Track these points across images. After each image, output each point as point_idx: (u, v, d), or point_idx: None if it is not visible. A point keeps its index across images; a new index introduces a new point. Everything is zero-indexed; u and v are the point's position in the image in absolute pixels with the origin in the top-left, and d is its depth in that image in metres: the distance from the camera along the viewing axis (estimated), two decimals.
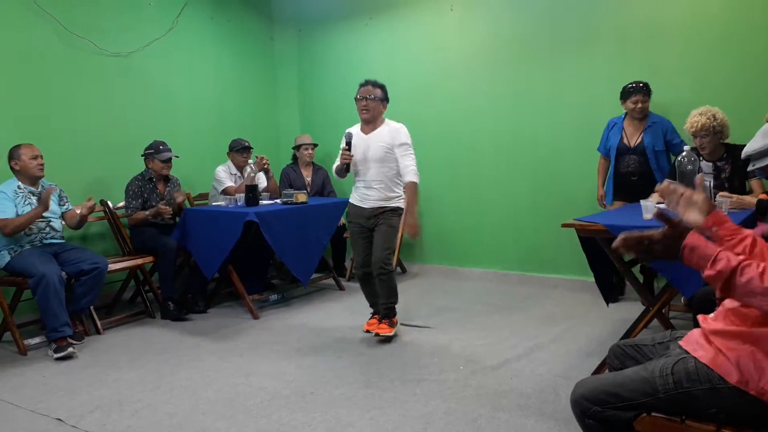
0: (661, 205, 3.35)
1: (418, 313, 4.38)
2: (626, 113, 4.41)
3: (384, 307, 3.83)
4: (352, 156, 3.77)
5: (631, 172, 4.28)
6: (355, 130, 3.89)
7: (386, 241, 3.76)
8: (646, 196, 4.21)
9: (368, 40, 6.09)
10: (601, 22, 4.84)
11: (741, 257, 1.43)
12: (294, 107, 6.69)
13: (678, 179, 3.42)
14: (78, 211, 4.06)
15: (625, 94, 4.32)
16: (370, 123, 3.83)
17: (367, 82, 3.85)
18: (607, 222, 2.91)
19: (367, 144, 3.79)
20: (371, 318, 3.96)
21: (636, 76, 4.61)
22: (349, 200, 3.99)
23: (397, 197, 3.84)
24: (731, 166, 3.58)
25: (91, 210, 4.07)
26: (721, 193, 3.27)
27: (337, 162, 3.86)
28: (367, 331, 3.87)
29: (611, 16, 4.79)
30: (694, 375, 1.57)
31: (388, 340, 3.79)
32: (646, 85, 4.27)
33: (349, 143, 3.76)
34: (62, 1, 4.63)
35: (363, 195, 3.86)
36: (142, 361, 3.57)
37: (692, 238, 1.48)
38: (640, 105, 4.24)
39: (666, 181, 3.72)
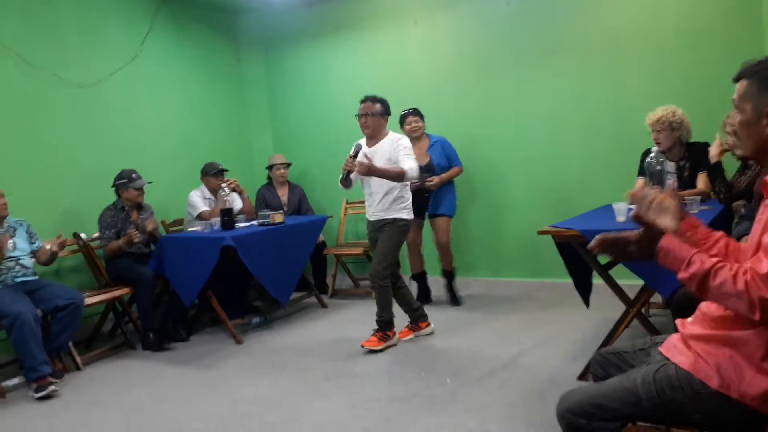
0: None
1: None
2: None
3: (377, 320, 3.95)
4: (356, 165, 3.77)
5: (425, 189, 4.68)
6: (363, 142, 4.02)
7: (382, 254, 3.89)
8: (429, 208, 4.75)
9: (335, 57, 6.12)
10: (563, 34, 4.96)
11: (714, 260, 1.46)
12: (266, 127, 6.67)
13: (647, 179, 3.49)
14: (48, 247, 3.98)
15: (401, 118, 4.81)
16: (373, 137, 3.97)
17: (366, 98, 3.99)
18: (581, 227, 2.95)
19: (370, 157, 3.88)
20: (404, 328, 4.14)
21: (599, 84, 4.77)
22: None
23: (398, 209, 3.92)
24: (690, 164, 3.66)
25: (63, 246, 4.01)
26: (692, 191, 3.33)
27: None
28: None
29: (572, 27, 4.92)
30: (676, 381, 1.58)
31: (373, 352, 3.87)
32: (417, 109, 4.83)
33: (356, 153, 3.84)
34: (22, 34, 4.56)
35: (367, 208, 4.03)
36: (124, 395, 3.51)
37: (667, 241, 1.51)
38: (414, 125, 4.76)
39: (637, 186, 3.82)
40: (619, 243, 1.56)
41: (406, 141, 3.94)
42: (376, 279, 3.89)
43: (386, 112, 3.98)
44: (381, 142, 3.95)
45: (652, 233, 1.53)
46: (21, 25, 4.58)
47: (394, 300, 4.01)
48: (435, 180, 4.68)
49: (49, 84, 4.72)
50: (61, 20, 4.85)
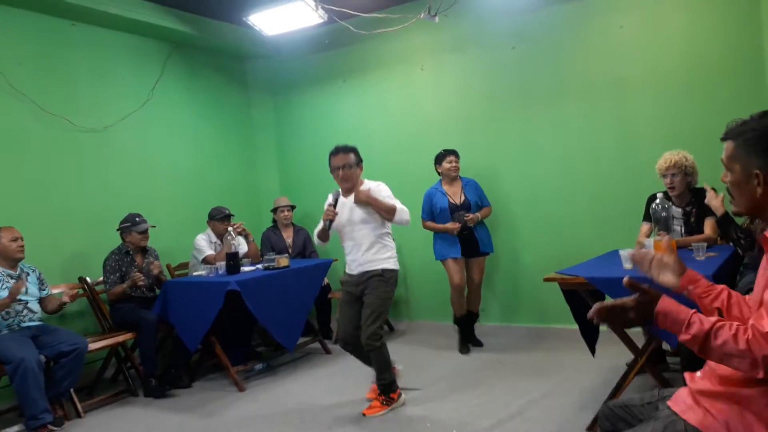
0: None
1: (406, 374, 4.29)
2: (441, 180, 4.94)
3: (378, 384, 3.63)
4: (337, 213, 3.56)
5: (462, 227, 4.72)
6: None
7: (374, 313, 3.53)
8: (472, 248, 4.76)
9: (343, 101, 6.21)
10: (568, 77, 5.02)
11: (713, 319, 1.45)
12: (273, 170, 6.75)
13: (653, 224, 3.48)
14: (61, 293, 4.04)
15: (440, 157, 4.90)
16: (351, 189, 3.65)
17: (337, 150, 3.67)
18: (588, 275, 2.93)
19: (350, 207, 3.62)
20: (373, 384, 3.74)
21: (606, 127, 4.80)
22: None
23: (384, 258, 3.62)
24: (696, 209, 3.65)
25: (74, 299, 4.10)
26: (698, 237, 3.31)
27: (320, 225, 3.65)
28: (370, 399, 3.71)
29: (577, 71, 4.98)
30: None
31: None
32: (455, 150, 4.90)
33: (335, 201, 3.59)
34: (37, 81, 4.68)
35: (350, 261, 3.69)
36: None
37: (664, 303, 1.50)
38: (453, 164, 4.83)
39: (642, 232, 3.79)
40: (616, 310, 1.54)
41: (385, 187, 3.68)
42: (371, 341, 3.48)
43: (360, 160, 3.69)
44: (361, 189, 3.61)
45: (649, 297, 1.52)
46: (37, 72, 4.71)
47: (365, 359, 3.67)
48: (471, 216, 4.72)
49: (61, 129, 4.81)
50: (76, 67, 4.98)
